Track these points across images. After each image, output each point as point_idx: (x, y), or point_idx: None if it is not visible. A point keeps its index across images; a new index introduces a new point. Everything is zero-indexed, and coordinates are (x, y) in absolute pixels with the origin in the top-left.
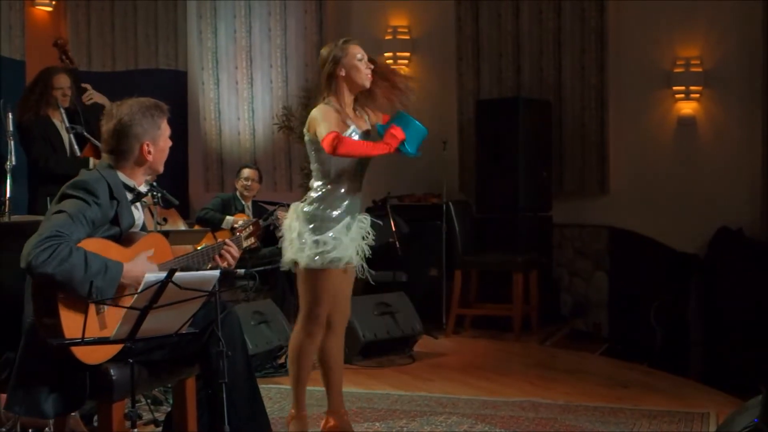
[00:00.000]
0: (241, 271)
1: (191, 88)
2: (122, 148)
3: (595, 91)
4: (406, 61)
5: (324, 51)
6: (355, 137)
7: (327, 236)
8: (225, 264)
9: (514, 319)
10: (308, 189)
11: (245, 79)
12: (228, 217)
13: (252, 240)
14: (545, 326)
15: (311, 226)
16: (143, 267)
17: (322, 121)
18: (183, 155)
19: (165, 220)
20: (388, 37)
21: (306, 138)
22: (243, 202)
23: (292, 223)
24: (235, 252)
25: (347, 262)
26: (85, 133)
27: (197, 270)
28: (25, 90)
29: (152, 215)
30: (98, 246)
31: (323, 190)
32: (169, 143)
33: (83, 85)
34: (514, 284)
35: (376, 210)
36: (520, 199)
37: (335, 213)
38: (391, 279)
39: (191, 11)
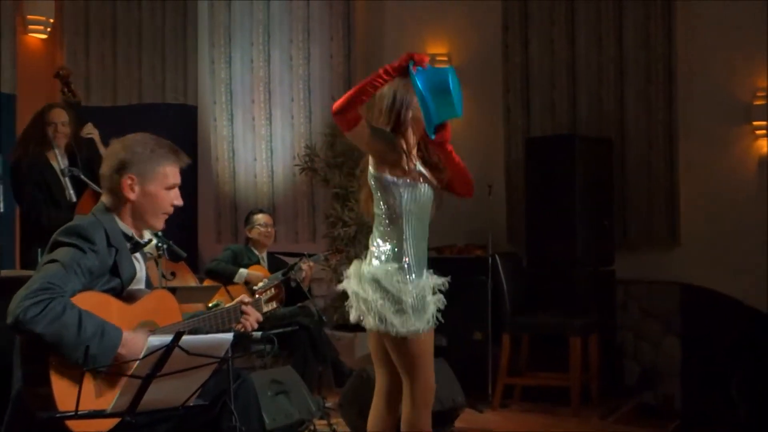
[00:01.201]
0: (258, 333)
1: (202, 125)
2: (112, 185)
3: (662, 127)
4: None
5: (386, 89)
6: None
7: (416, 293)
8: (242, 329)
9: (571, 390)
10: (370, 239)
11: (263, 114)
12: (242, 270)
13: (274, 305)
14: (607, 399)
15: (394, 284)
16: (144, 337)
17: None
18: (192, 200)
19: (173, 274)
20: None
21: (371, 174)
22: (257, 253)
23: (364, 285)
24: (254, 318)
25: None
26: (82, 177)
27: (208, 333)
28: (25, 128)
29: (158, 269)
30: (96, 301)
31: (394, 240)
32: (175, 198)
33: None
34: (571, 350)
35: None
36: (577, 251)
37: (412, 263)
38: None
39: (203, 39)
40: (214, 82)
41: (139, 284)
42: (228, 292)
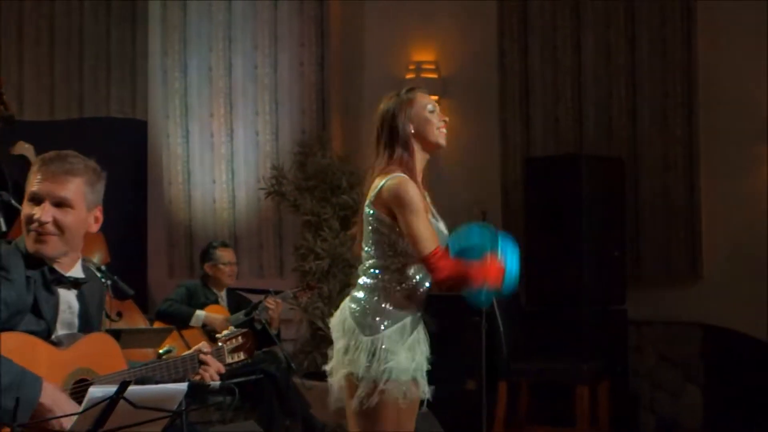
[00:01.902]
0: (216, 383)
1: (152, 143)
2: None
3: (681, 145)
4: None
5: (383, 105)
6: (438, 222)
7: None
8: (200, 379)
9: None
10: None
11: (223, 130)
12: (199, 312)
13: (241, 355)
14: None
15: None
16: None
17: (411, 210)
18: (141, 230)
19: (119, 315)
20: (410, 76)
21: (370, 212)
22: (216, 291)
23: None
24: (215, 369)
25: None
26: (13, 202)
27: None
28: None
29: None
30: (19, 344)
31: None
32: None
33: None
34: (577, 400)
35: None
36: (584, 287)
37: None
38: None
39: (153, 45)
40: (166, 94)
41: (69, 329)
42: (182, 336)
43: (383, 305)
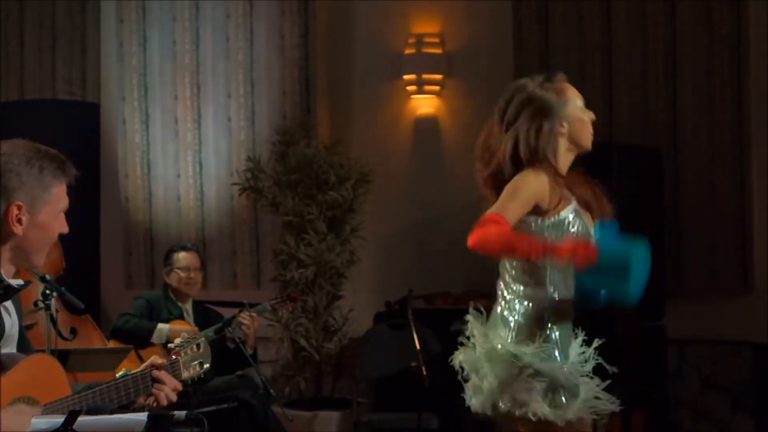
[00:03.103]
0: (182, 413)
1: (106, 129)
2: None
3: (730, 133)
4: (437, 88)
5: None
6: (574, 223)
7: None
8: (155, 404)
9: None
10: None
11: (189, 115)
12: (161, 326)
13: (197, 367)
14: None
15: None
16: (22, 418)
17: (513, 189)
18: (93, 232)
19: (74, 332)
20: (409, 51)
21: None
22: (180, 304)
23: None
24: (171, 387)
25: None
26: None
27: (113, 412)
28: None
29: (54, 325)
30: None
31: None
32: (61, 226)
33: None
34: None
35: (391, 316)
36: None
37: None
38: (416, 424)
39: (107, 14)
40: (122, 72)
41: (8, 345)
42: (140, 356)
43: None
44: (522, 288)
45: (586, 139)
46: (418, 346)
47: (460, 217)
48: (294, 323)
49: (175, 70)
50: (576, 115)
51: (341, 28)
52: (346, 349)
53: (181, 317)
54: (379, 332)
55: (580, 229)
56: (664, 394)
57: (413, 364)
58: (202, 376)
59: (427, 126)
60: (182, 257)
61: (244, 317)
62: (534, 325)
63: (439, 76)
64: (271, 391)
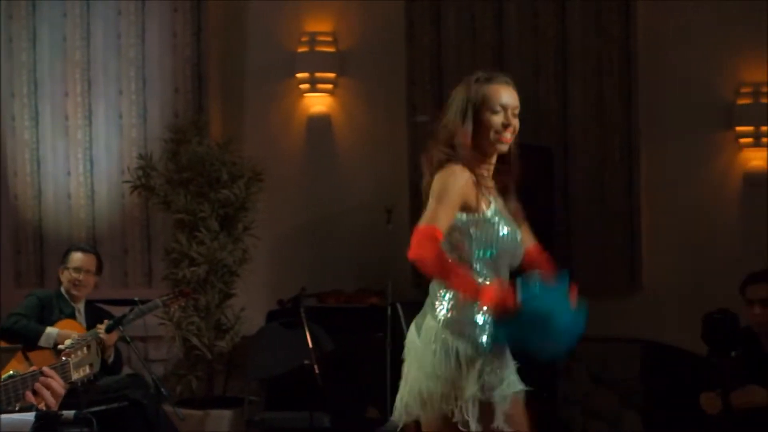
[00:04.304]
0: (70, 413)
1: None
2: None
3: (619, 134)
4: (330, 86)
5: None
6: (502, 224)
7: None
8: (42, 404)
9: None
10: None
11: (80, 112)
12: (50, 330)
13: (87, 369)
14: None
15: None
16: None
17: (439, 190)
18: None
19: None
20: (302, 49)
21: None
22: (72, 304)
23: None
24: (59, 386)
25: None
26: None
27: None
28: None
29: None
30: None
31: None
32: None
33: None
34: None
35: (283, 315)
36: None
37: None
38: (308, 423)
39: None
40: (11, 68)
41: None
42: (27, 357)
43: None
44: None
45: (495, 142)
46: (310, 345)
47: (353, 216)
48: (186, 322)
49: (65, 66)
50: (489, 118)
51: (234, 26)
52: (238, 348)
53: (72, 316)
54: (271, 331)
55: (506, 232)
56: (554, 392)
57: (305, 362)
58: (92, 378)
59: (320, 124)
60: (76, 258)
61: (101, 332)
62: (462, 311)
63: (332, 75)
64: (163, 390)
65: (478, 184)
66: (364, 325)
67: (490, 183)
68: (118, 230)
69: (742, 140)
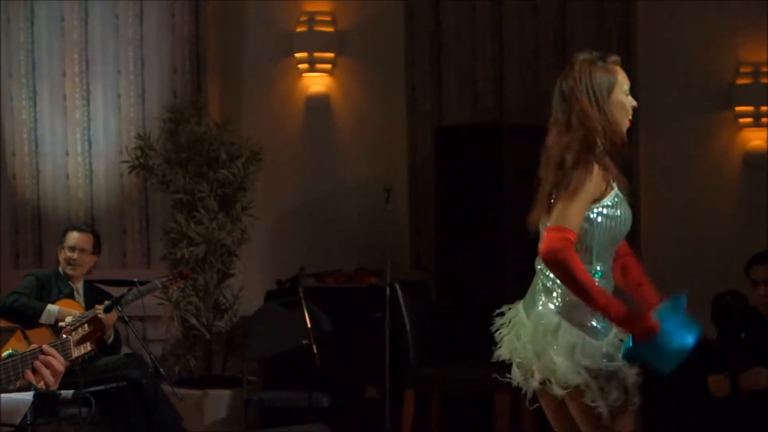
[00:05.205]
0: (69, 392)
1: None
2: None
3: None
4: (328, 66)
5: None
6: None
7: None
8: (41, 383)
9: None
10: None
11: (78, 92)
12: (50, 307)
13: (87, 346)
14: None
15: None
16: None
17: (575, 188)
18: None
19: None
20: (301, 29)
21: None
22: (70, 284)
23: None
24: (59, 364)
25: None
26: None
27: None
28: None
29: None
30: None
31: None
32: None
33: None
34: (497, 411)
35: (282, 294)
36: (506, 278)
37: None
38: (306, 402)
39: None
40: (9, 48)
41: None
42: (26, 336)
43: None
44: None
45: (625, 124)
46: (309, 325)
47: (351, 195)
48: (184, 302)
49: (63, 46)
50: (618, 98)
51: (232, 6)
52: (236, 328)
53: (71, 296)
54: (269, 310)
55: (623, 212)
56: None
57: (304, 342)
58: (93, 354)
59: (318, 104)
60: (72, 237)
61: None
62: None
63: (330, 55)
64: (161, 369)
65: (606, 169)
66: (363, 305)
67: (611, 164)
68: (116, 210)
69: (742, 120)
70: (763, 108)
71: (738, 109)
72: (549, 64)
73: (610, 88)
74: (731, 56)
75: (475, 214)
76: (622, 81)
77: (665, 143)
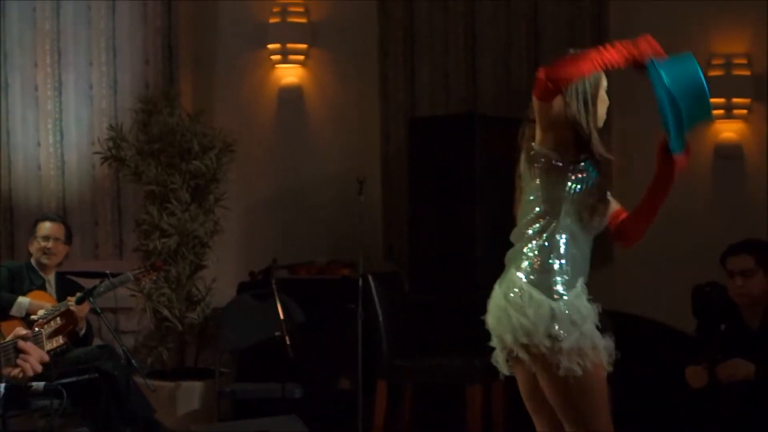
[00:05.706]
0: (40, 384)
1: None
2: None
3: None
4: (301, 58)
5: None
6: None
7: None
8: (21, 374)
9: None
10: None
11: (50, 83)
12: (21, 299)
13: (60, 339)
14: None
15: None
16: None
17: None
18: None
19: None
20: (274, 20)
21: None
22: (42, 275)
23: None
24: (36, 358)
25: None
26: None
27: None
28: None
29: None
30: None
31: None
32: None
33: None
34: (469, 402)
35: (254, 286)
36: (478, 271)
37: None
38: (279, 394)
39: None
40: None
41: None
42: None
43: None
44: (539, 223)
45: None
46: (281, 316)
47: (324, 187)
48: (157, 293)
49: (35, 37)
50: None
51: None
52: (209, 319)
53: (43, 288)
54: (242, 302)
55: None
56: None
57: (277, 334)
58: (65, 348)
59: (291, 96)
60: (45, 227)
61: (71, 304)
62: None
63: (303, 46)
64: (133, 361)
65: None
66: (336, 296)
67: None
68: (88, 202)
69: (714, 112)
70: (735, 100)
71: (710, 101)
72: (521, 56)
73: (597, 88)
74: (703, 48)
75: (448, 205)
76: (604, 79)
77: (638, 134)
